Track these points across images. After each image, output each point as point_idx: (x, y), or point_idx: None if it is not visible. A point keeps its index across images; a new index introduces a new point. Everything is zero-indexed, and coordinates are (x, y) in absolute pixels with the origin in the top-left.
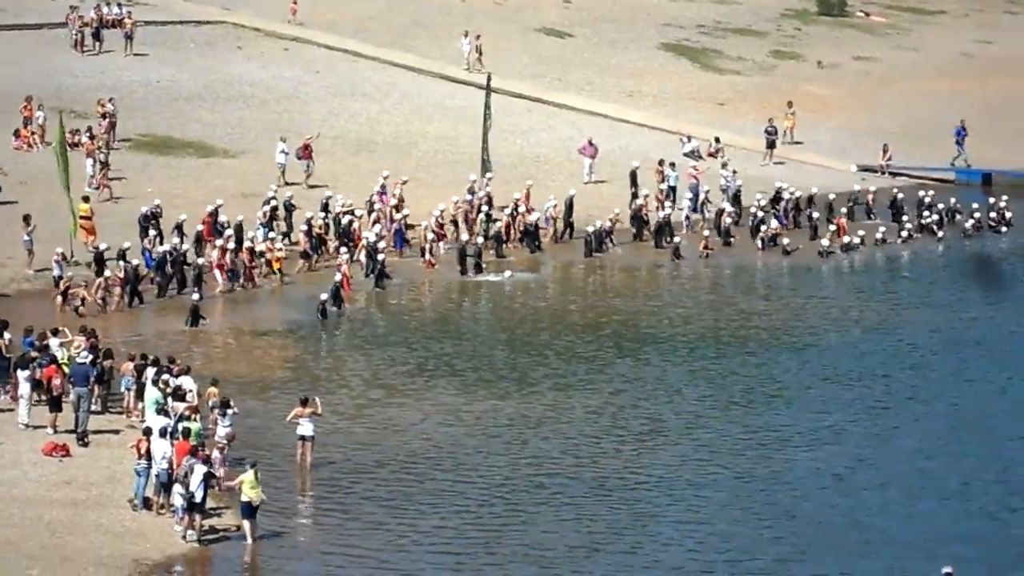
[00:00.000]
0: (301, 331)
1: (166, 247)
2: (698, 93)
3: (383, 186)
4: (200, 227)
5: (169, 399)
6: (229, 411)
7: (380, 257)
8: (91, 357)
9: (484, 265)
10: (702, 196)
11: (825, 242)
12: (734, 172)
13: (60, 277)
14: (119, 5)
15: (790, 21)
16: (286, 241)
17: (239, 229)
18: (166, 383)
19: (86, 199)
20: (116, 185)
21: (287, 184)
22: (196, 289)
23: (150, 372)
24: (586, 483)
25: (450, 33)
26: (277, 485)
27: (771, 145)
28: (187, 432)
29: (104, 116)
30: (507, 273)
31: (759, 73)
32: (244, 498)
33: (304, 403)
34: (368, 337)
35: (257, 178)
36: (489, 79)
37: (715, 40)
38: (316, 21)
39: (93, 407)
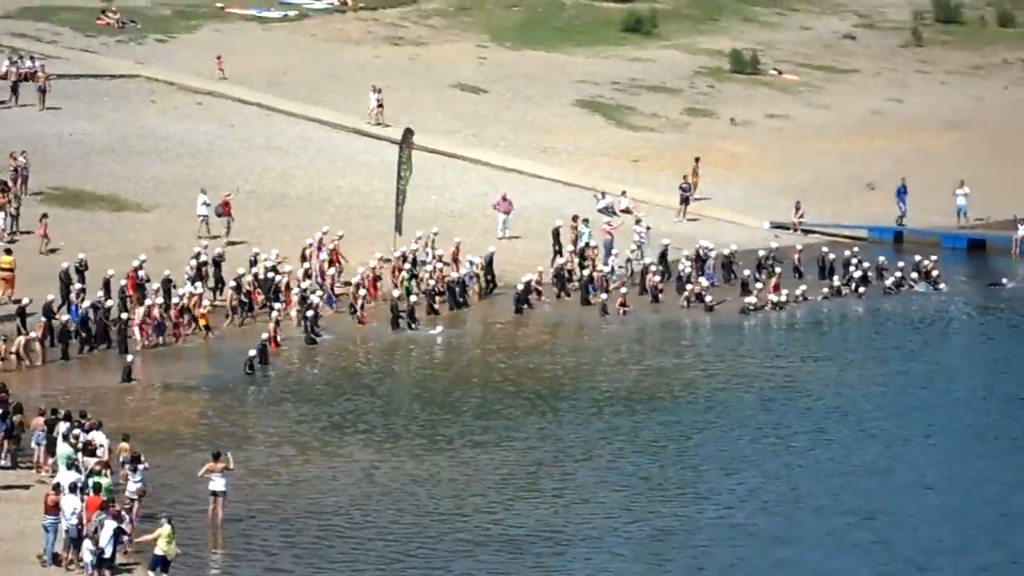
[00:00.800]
0: (222, 387)
1: (88, 303)
2: (612, 149)
3: (320, 241)
4: (123, 282)
5: (79, 454)
6: (140, 466)
7: (310, 313)
8: (0, 412)
9: (415, 322)
10: (627, 254)
11: (752, 299)
12: (647, 228)
13: None
14: (32, 58)
15: (704, 79)
16: (218, 296)
17: (167, 283)
18: (76, 438)
19: (8, 251)
20: (27, 239)
21: (210, 237)
22: (125, 347)
23: (61, 427)
24: (495, 541)
25: (364, 88)
26: (188, 540)
27: (684, 201)
28: (97, 487)
29: (15, 170)
30: (439, 328)
31: (673, 130)
32: (159, 551)
33: (216, 458)
34: (289, 393)
35: (169, 232)
36: (408, 133)
37: (629, 97)
38: (230, 75)
39: (2, 462)
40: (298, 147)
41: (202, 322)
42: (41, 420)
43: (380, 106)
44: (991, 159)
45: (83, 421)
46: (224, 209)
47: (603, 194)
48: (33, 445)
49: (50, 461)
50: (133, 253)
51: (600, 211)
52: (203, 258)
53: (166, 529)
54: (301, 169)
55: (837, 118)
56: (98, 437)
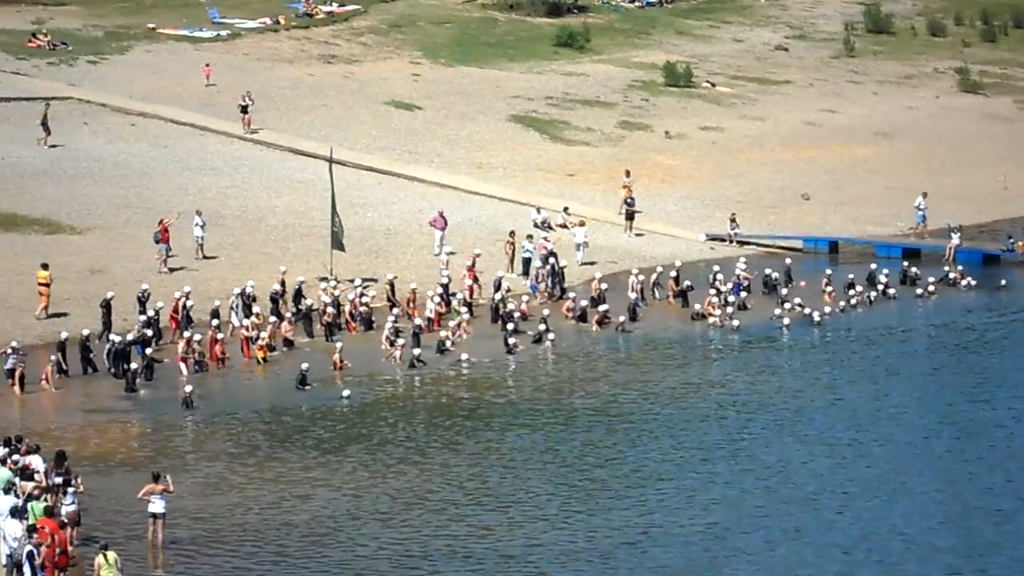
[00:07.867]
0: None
1: (117, 337)
2: (547, 164)
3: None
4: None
5: (17, 478)
6: (70, 489)
7: (416, 349)
8: None
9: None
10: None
11: (778, 311)
12: (552, 241)
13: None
14: None
15: (638, 92)
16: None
17: (215, 315)
18: (15, 462)
19: (45, 266)
20: None
21: (205, 257)
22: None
23: None
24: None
25: (298, 107)
26: (128, 563)
27: (630, 216)
28: (48, 511)
29: None
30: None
31: (608, 144)
32: None
33: (156, 479)
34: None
35: (104, 255)
36: (331, 152)
37: (564, 112)
38: (161, 96)
39: None
40: (232, 167)
41: (260, 355)
42: None
43: (244, 112)
44: (924, 168)
45: (19, 445)
46: (163, 235)
47: (539, 209)
48: None
49: None
50: (67, 276)
51: (536, 226)
52: (248, 291)
53: (99, 559)
54: (235, 189)
55: (771, 129)
56: (35, 461)
